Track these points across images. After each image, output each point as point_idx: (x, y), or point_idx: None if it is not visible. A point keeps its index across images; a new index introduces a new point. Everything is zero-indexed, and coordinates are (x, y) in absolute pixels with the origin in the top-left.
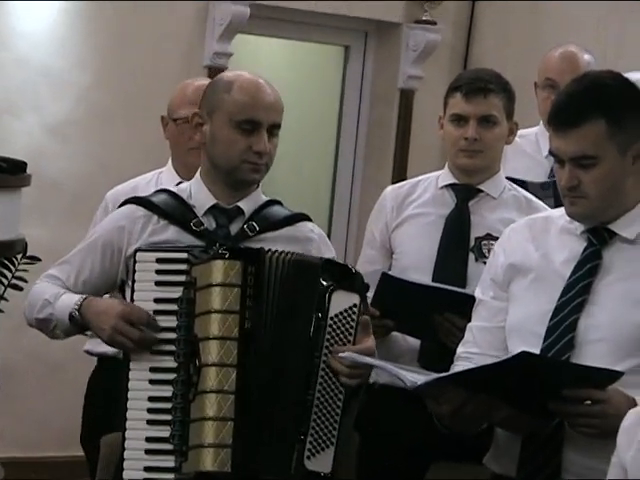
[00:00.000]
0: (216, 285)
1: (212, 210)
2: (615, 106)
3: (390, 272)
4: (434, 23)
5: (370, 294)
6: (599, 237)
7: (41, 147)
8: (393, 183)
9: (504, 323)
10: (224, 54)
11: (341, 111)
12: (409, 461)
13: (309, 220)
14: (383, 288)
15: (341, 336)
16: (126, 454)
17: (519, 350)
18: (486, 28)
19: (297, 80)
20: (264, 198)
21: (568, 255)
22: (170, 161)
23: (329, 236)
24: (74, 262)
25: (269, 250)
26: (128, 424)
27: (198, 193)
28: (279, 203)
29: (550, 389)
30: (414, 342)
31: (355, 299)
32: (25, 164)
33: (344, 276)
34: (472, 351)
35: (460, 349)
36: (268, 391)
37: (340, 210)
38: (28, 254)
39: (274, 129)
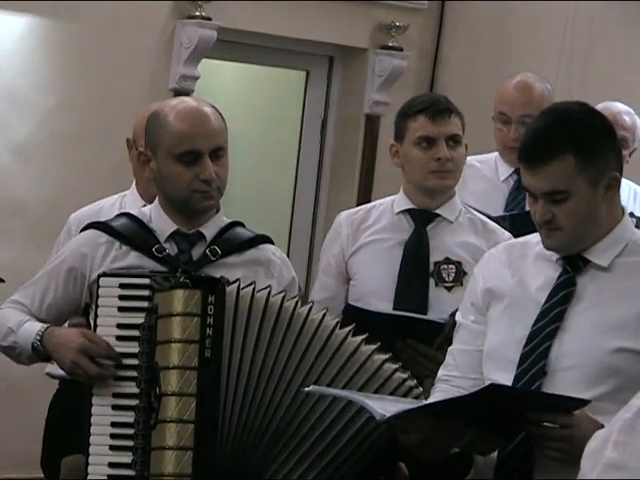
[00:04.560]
0: (176, 315)
1: (173, 236)
2: (583, 140)
3: (354, 303)
4: (400, 49)
5: None
6: (573, 264)
7: (4, 168)
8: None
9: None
10: (190, 77)
11: (301, 135)
12: None
13: (271, 242)
14: (348, 319)
15: None
16: (89, 478)
17: (493, 376)
18: (452, 54)
19: (258, 105)
20: (226, 221)
21: (543, 281)
22: (134, 184)
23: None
24: (38, 287)
25: (237, 281)
26: (91, 449)
27: (158, 220)
28: (241, 224)
29: (518, 415)
30: None
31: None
32: None
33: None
34: (452, 374)
35: (441, 372)
36: (241, 419)
37: (299, 237)
38: None
39: (218, 152)
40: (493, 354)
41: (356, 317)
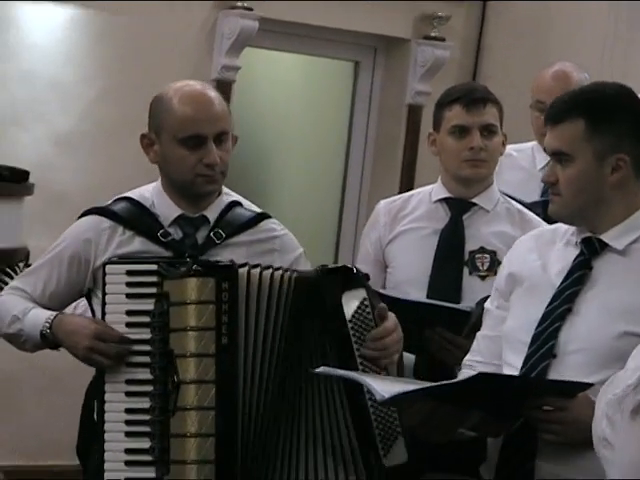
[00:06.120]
0: (191, 303)
1: (178, 220)
2: (599, 111)
3: (382, 290)
4: (442, 39)
5: None
6: (590, 247)
7: (47, 159)
8: None
9: None
10: (232, 67)
11: (351, 126)
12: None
13: (269, 217)
14: None
15: (364, 332)
16: (106, 466)
17: (508, 359)
18: (494, 44)
19: (307, 94)
20: (225, 201)
21: (563, 265)
22: None
23: (337, 249)
24: (40, 274)
25: (246, 264)
26: (107, 436)
27: (162, 205)
28: (239, 204)
29: (516, 400)
30: (410, 357)
31: (362, 293)
32: (27, 173)
33: (344, 277)
34: (476, 359)
35: (467, 357)
36: (266, 403)
37: (348, 224)
38: (30, 263)
39: (222, 136)
40: (509, 337)
41: (384, 304)
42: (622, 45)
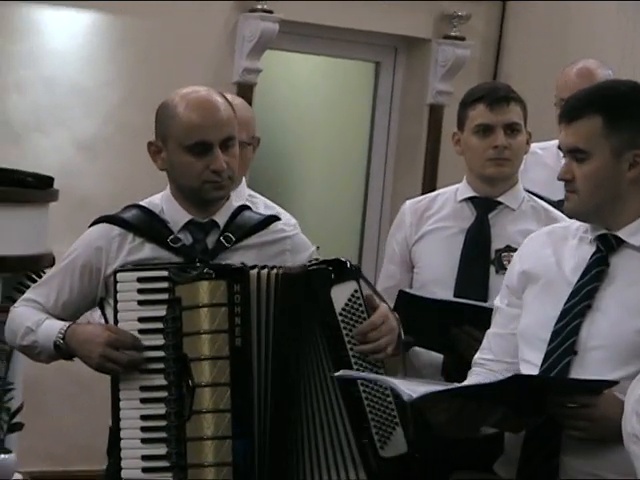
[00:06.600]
0: (203, 306)
1: (188, 226)
2: (617, 107)
3: (407, 289)
4: (463, 39)
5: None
6: (607, 244)
7: (70, 164)
8: None
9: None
10: (253, 70)
11: (372, 126)
12: (429, 473)
13: (279, 220)
14: (401, 305)
15: (355, 324)
16: (123, 473)
17: (526, 356)
18: (514, 43)
19: (328, 96)
20: (234, 206)
21: (577, 262)
22: None
23: (360, 250)
24: (53, 284)
25: (255, 266)
26: (123, 443)
27: (171, 210)
28: (248, 208)
29: (544, 399)
30: (436, 356)
31: (353, 285)
32: (52, 179)
33: (334, 269)
34: (487, 357)
35: (477, 355)
36: (277, 405)
37: (371, 224)
38: None
39: (228, 142)
40: (526, 334)
41: (409, 303)
42: None
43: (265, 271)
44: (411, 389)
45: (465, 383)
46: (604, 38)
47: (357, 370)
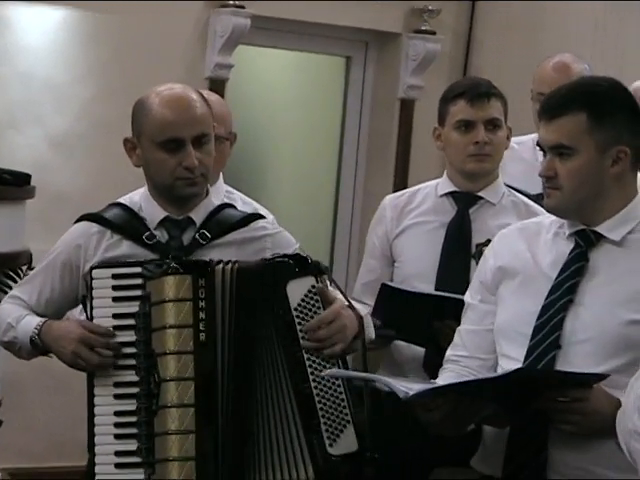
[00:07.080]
0: (169, 301)
1: (164, 222)
2: (599, 103)
3: (389, 282)
4: (433, 33)
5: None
6: (586, 239)
7: (44, 160)
8: (394, 192)
9: (492, 326)
10: (225, 65)
11: (344, 121)
12: (410, 468)
13: (262, 218)
14: (383, 299)
15: (310, 320)
16: (97, 469)
17: (506, 351)
18: (485, 37)
19: (299, 90)
20: (215, 204)
21: (555, 257)
22: None
23: (332, 245)
24: (35, 282)
25: (220, 261)
26: (97, 439)
27: (148, 207)
28: (231, 206)
29: (536, 393)
30: (418, 350)
31: (310, 281)
32: (29, 176)
33: (292, 264)
34: (460, 354)
35: (449, 352)
36: (237, 400)
37: (343, 219)
38: (33, 266)
39: (202, 139)
40: (505, 330)
41: (391, 297)
42: (613, 38)
43: (228, 266)
44: (406, 386)
45: (463, 379)
46: (576, 31)
47: (309, 366)
